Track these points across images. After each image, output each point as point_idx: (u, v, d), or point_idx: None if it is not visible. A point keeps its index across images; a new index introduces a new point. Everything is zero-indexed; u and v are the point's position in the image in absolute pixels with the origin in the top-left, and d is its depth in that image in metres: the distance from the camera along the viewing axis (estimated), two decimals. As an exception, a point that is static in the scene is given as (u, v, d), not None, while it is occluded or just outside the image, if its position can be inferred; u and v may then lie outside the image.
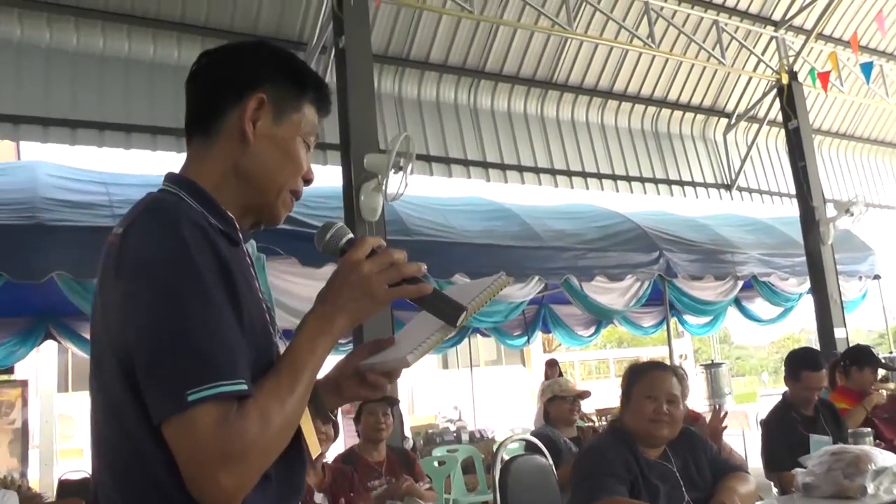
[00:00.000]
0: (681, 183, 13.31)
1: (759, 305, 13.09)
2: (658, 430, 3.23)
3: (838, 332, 10.84)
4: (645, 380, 3.34)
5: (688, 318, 14.14)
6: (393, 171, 7.15)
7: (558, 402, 5.70)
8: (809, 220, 11.35)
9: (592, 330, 13.98)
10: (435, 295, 1.53)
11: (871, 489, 3.26)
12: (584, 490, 3.09)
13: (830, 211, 11.69)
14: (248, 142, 1.57)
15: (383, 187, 7.16)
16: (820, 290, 10.99)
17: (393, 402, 5.23)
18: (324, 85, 1.69)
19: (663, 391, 3.28)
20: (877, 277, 13.77)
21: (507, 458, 4.23)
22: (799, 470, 3.53)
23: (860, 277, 13.26)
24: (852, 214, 11.45)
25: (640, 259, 10.15)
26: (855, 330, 22.94)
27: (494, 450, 4.13)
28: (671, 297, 10.67)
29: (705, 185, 13.65)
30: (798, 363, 5.13)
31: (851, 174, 16.70)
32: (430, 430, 11.15)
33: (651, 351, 30.18)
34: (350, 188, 7.39)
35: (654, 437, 3.25)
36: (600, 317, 10.41)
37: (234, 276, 1.42)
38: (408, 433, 10.83)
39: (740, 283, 11.37)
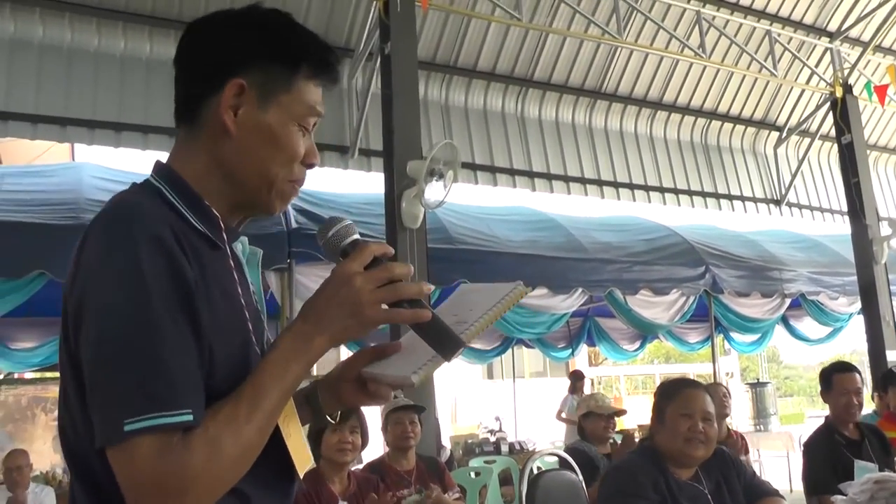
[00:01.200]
0: (729, 197, 13.09)
1: (807, 325, 12.84)
2: (693, 449, 3.12)
3: (891, 355, 10.54)
4: (679, 398, 3.23)
5: (734, 335, 13.92)
6: (434, 178, 7.09)
7: (594, 418, 5.61)
8: (862, 239, 11.07)
9: (637, 344, 13.85)
10: (434, 322, 1.38)
11: None
12: None
13: (884, 229, 11.39)
14: (229, 133, 1.43)
15: (423, 194, 7.10)
16: (871, 311, 10.71)
17: (419, 409, 5.14)
18: (324, 53, 1.51)
19: (698, 409, 3.17)
20: (930, 299, 13.45)
21: (541, 470, 4.16)
22: (839, 497, 3.40)
23: (915, 299, 12.96)
24: (909, 233, 11.17)
25: (686, 273, 9.98)
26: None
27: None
28: (717, 313, 10.49)
29: (754, 199, 13.41)
30: (829, 371, 5.04)
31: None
32: (470, 441, 11.07)
33: (697, 368, 29.76)
34: (392, 195, 7.33)
35: (689, 458, 3.14)
36: (644, 331, 10.26)
37: (195, 295, 1.30)
38: (446, 443, 10.76)
39: (788, 301, 11.12)
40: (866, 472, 4.05)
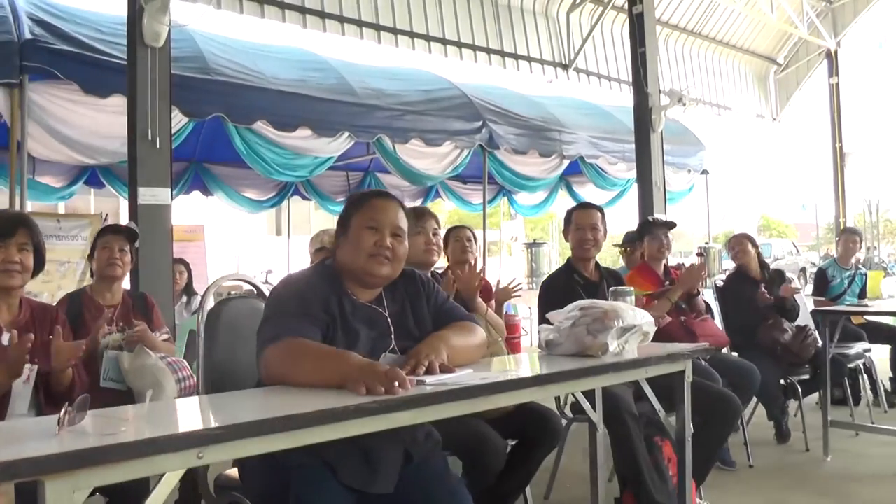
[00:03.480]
0: (515, 56, 12.78)
1: (589, 191, 13.01)
2: (376, 267, 2.66)
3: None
4: (366, 208, 2.74)
5: (519, 198, 13.96)
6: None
7: (326, 254, 5.21)
8: (642, 107, 11.01)
9: (419, 202, 13.61)
10: None
11: (613, 347, 2.83)
12: (269, 328, 2.50)
13: (664, 99, 11.40)
14: None
15: (168, 8, 6.38)
16: (644, 176, 10.74)
17: (133, 235, 4.54)
18: None
19: (388, 222, 2.70)
20: (705, 172, 13.81)
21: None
22: (544, 326, 3.08)
23: (689, 170, 13.29)
24: (684, 104, 11.23)
25: (461, 126, 9.64)
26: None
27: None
28: (492, 169, 10.25)
29: (542, 61, 13.18)
30: (570, 210, 4.93)
31: (693, 71, 16.63)
32: (233, 291, 10.54)
33: (488, 234, 29.90)
34: (134, 8, 6.55)
35: (372, 276, 2.68)
36: (414, 182, 9.85)
37: None
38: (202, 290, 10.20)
39: (566, 162, 11.11)
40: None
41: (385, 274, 2.70)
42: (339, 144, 8.52)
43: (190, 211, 14.78)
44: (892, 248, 47.59)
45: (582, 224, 4.71)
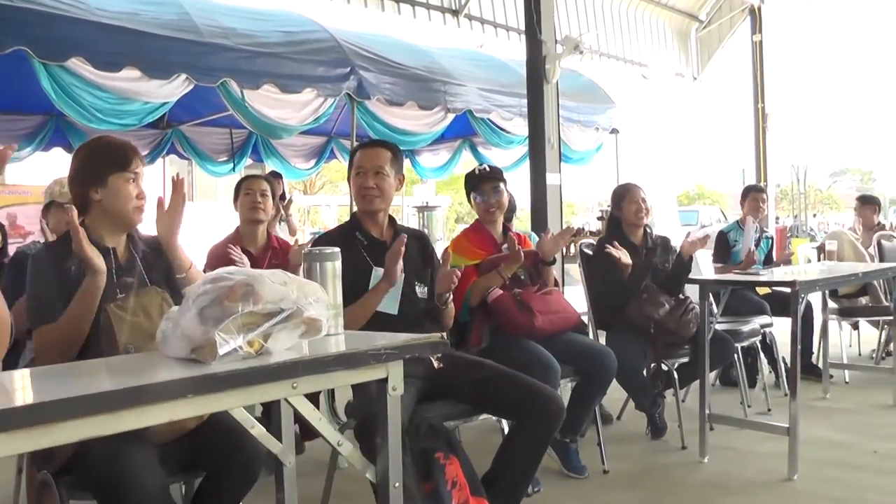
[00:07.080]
0: (396, -1, 11.55)
1: (496, 153, 12.14)
2: None
3: (551, 178, 9.49)
4: None
5: (421, 160, 13.03)
6: None
7: (56, 209, 4.21)
8: (535, 56, 9.87)
9: (313, 163, 12.69)
10: None
11: (227, 348, 1.71)
12: None
13: (559, 48, 10.32)
14: None
15: None
16: (537, 132, 9.57)
17: None
18: None
19: None
20: (615, 131, 12.86)
21: None
22: (175, 309, 1.98)
23: (597, 129, 12.30)
24: (581, 52, 10.17)
25: (325, 72, 8.42)
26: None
27: None
28: (362, 122, 9.08)
29: (428, 6, 11.94)
30: (354, 149, 3.88)
31: (607, 25, 15.59)
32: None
33: (414, 199, 28.63)
34: None
35: None
36: (268, 134, 8.60)
37: None
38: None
39: (451, 116, 9.92)
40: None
41: None
42: (173, 88, 7.30)
43: (54, 172, 13.42)
44: (822, 217, 47.37)
45: (363, 167, 3.58)
